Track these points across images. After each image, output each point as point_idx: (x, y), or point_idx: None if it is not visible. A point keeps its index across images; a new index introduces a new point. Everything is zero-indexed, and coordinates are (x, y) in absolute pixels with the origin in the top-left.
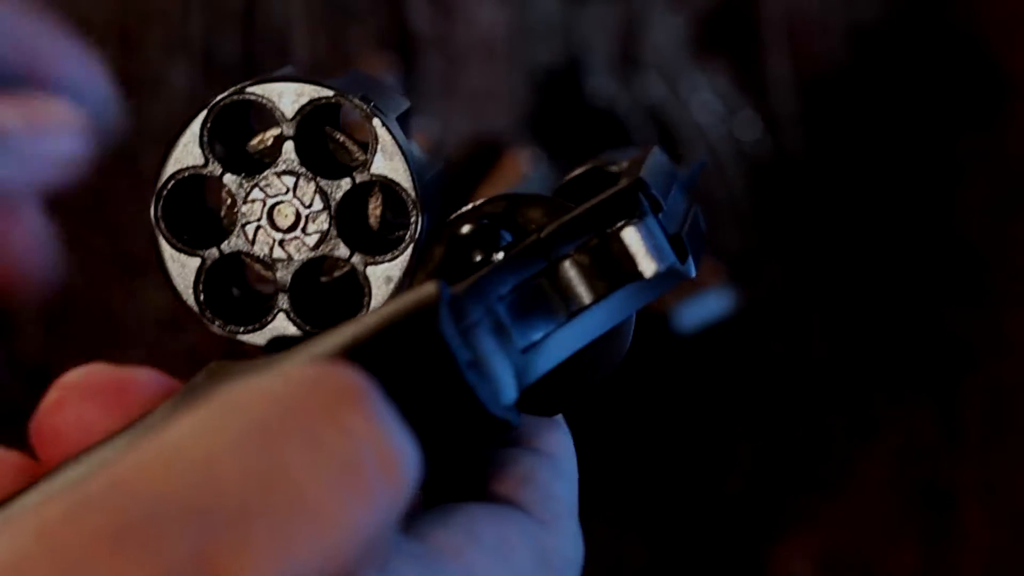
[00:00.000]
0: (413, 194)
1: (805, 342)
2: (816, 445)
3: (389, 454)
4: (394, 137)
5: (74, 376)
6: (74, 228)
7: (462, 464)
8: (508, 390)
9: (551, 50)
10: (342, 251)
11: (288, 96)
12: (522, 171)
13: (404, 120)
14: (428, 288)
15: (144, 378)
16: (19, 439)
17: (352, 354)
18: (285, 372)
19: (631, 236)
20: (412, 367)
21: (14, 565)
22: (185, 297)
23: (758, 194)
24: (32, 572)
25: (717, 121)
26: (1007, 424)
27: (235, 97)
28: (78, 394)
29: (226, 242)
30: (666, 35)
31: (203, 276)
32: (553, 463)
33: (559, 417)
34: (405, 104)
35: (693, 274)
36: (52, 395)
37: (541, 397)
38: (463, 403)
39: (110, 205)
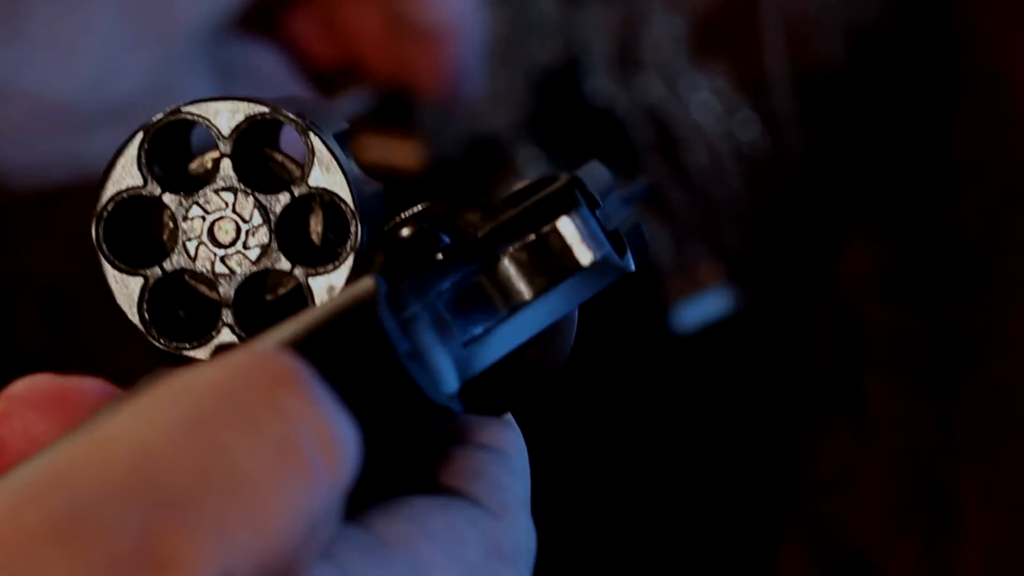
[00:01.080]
0: (352, 204)
1: (805, 341)
2: (816, 445)
3: (327, 435)
4: (330, 150)
5: (19, 387)
6: (74, 224)
7: (410, 456)
8: (449, 380)
9: (551, 50)
10: (283, 264)
11: (224, 114)
12: (521, 171)
13: (342, 139)
14: (365, 282)
15: (89, 386)
16: None
17: (292, 347)
18: (221, 361)
19: (566, 226)
20: (352, 358)
21: None
22: (130, 316)
23: (757, 193)
24: None
25: (716, 121)
26: (1007, 424)
27: (171, 117)
28: (22, 404)
29: (167, 260)
30: (665, 35)
31: (146, 295)
32: (504, 459)
33: (509, 416)
34: (343, 124)
35: (631, 268)
36: None
37: (488, 396)
38: (403, 391)
39: None
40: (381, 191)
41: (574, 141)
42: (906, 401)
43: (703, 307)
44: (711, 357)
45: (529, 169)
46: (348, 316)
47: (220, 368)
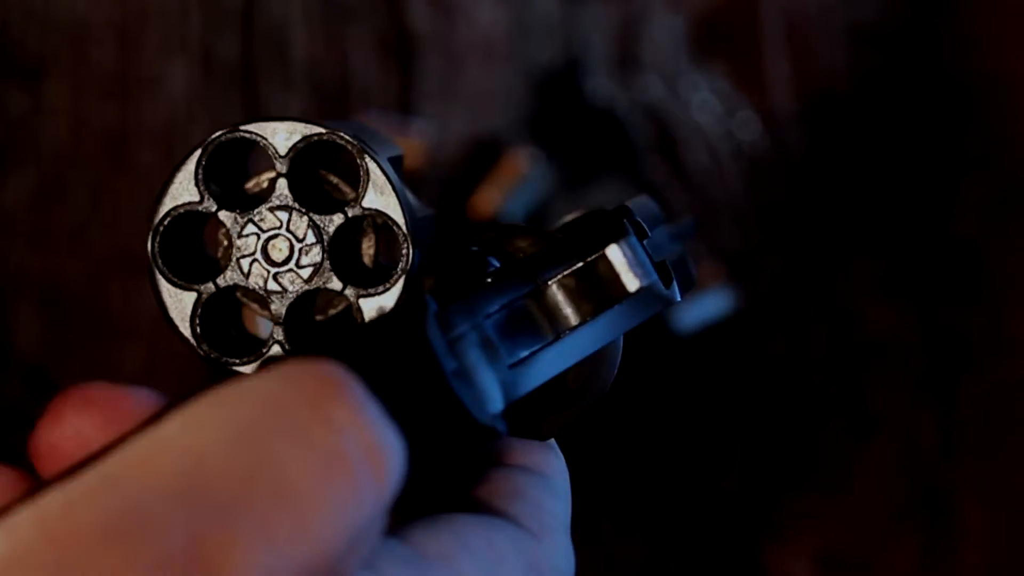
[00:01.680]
0: (404, 227)
1: (805, 342)
2: (816, 445)
3: (374, 445)
4: (385, 173)
5: (71, 394)
6: (73, 227)
7: (453, 474)
8: (494, 399)
9: (551, 50)
10: (335, 284)
11: (281, 134)
12: (521, 170)
13: (396, 164)
14: (416, 300)
15: (141, 395)
16: (19, 440)
17: (342, 359)
18: (270, 370)
19: (614, 253)
20: (400, 373)
21: (17, 557)
22: (182, 330)
23: (757, 193)
24: (33, 564)
25: (716, 121)
26: (1007, 424)
27: (229, 135)
28: (75, 409)
29: (221, 276)
30: (665, 35)
31: (199, 310)
32: (546, 482)
33: (552, 440)
34: (398, 150)
35: (678, 299)
36: (50, 413)
37: (533, 421)
38: (449, 408)
39: (108, 204)
40: (433, 216)
41: (574, 141)
42: (906, 401)
43: (703, 307)
44: (711, 357)
45: (528, 168)
46: (397, 332)
47: (269, 377)
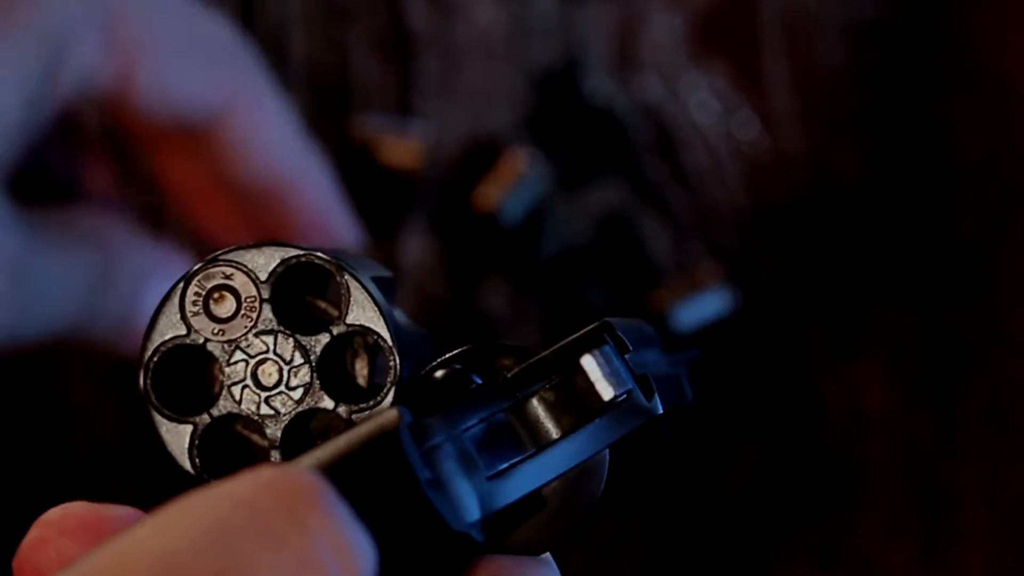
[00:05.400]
0: (389, 340)
1: (804, 341)
2: (816, 445)
3: (346, 550)
4: (365, 288)
5: (53, 514)
6: None
7: None
8: (470, 508)
9: (549, 50)
10: (327, 402)
11: (260, 260)
12: (520, 171)
13: (384, 284)
14: (389, 411)
15: (122, 513)
16: (21, 444)
17: (315, 467)
18: (244, 476)
19: (588, 362)
20: (375, 481)
21: None
22: (181, 463)
23: (756, 193)
24: None
25: (715, 120)
26: (1007, 424)
27: (208, 267)
28: (57, 531)
29: (215, 407)
30: (664, 34)
31: (196, 441)
32: None
33: (547, 556)
34: (386, 272)
35: (659, 411)
36: (33, 533)
37: (520, 534)
38: (423, 515)
39: None
40: (425, 335)
41: (573, 141)
42: (905, 401)
43: (702, 307)
44: (710, 357)
45: (527, 168)
46: (371, 441)
47: (243, 482)
